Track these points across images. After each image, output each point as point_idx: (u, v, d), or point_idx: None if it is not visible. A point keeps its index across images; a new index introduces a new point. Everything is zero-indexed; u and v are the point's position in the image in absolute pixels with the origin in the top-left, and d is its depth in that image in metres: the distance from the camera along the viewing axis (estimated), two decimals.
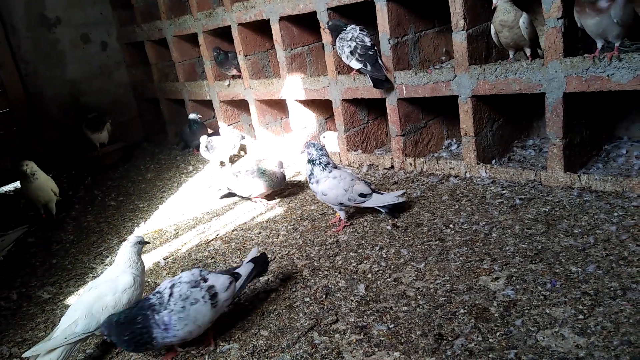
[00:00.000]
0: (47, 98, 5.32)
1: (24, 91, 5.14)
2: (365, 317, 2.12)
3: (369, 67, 3.39)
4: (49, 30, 5.29)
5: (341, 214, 2.94)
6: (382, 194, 2.91)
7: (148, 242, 2.53)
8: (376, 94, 3.58)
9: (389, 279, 2.36)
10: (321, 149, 2.90)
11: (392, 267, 2.45)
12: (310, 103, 4.31)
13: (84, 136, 5.14)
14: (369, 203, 2.86)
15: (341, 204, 2.87)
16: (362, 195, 2.83)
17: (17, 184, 5.14)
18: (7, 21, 5.00)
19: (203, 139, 4.37)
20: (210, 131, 5.18)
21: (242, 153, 4.82)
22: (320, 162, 2.87)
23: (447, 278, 2.26)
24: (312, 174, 2.89)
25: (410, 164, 3.59)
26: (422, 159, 3.54)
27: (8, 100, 5.06)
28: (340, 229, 2.93)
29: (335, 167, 2.93)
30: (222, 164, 4.56)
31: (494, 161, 3.35)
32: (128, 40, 5.66)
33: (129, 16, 5.56)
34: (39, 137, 5.28)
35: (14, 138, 5.17)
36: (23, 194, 4.05)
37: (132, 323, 1.99)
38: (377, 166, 3.78)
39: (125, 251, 2.34)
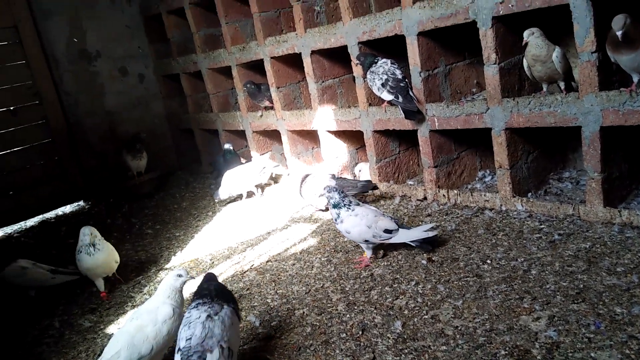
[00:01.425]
0: (87, 128, 5.52)
1: (65, 122, 5.35)
2: (402, 355, 2.12)
3: (400, 99, 3.42)
4: (90, 63, 5.52)
5: (368, 252, 2.94)
6: (409, 228, 2.89)
7: (193, 278, 2.57)
8: (408, 125, 3.61)
9: (426, 316, 2.34)
10: (341, 192, 2.95)
11: (429, 303, 2.43)
12: (341, 133, 4.36)
13: (123, 164, 5.29)
14: (395, 239, 2.84)
15: (367, 241, 2.88)
16: (387, 231, 2.82)
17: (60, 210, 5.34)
18: (51, 55, 5.24)
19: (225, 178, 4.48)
20: (243, 161, 5.28)
21: (271, 182, 4.87)
22: (344, 204, 2.90)
23: (487, 317, 2.24)
24: (338, 216, 2.92)
25: (444, 195, 3.58)
26: (455, 191, 3.53)
27: (50, 131, 5.28)
28: (362, 266, 2.93)
29: (358, 204, 2.94)
30: (250, 194, 4.62)
31: (529, 194, 3.32)
32: (164, 72, 5.85)
33: (166, 50, 5.76)
34: (77, 166, 5.47)
35: (55, 167, 5.37)
36: (79, 267, 3.22)
37: None
38: (410, 197, 3.78)
39: (166, 283, 2.40)
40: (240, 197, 4.61)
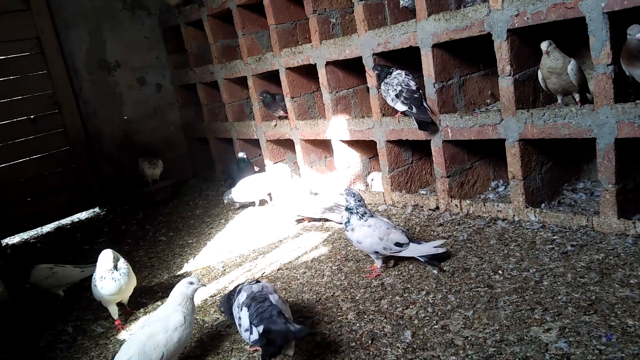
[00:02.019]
0: (104, 136, 5.62)
1: (83, 130, 5.45)
2: None
3: (414, 110, 3.44)
4: (109, 73, 5.63)
5: (377, 262, 2.94)
6: (420, 243, 2.89)
7: (204, 285, 2.60)
8: (421, 135, 3.62)
9: (436, 326, 2.33)
10: (359, 200, 2.94)
11: (439, 313, 2.42)
12: (354, 143, 4.38)
13: (139, 172, 5.37)
14: (405, 253, 2.84)
15: (377, 252, 2.88)
16: (398, 244, 2.82)
17: (76, 217, 5.43)
18: (71, 65, 5.36)
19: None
20: (256, 169, 5.33)
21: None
22: (357, 212, 2.90)
23: (497, 327, 2.22)
24: (348, 221, 2.93)
25: (456, 205, 3.57)
26: (468, 201, 3.53)
27: (68, 139, 5.38)
28: (372, 276, 2.93)
29: (372, 215, 2.94)
30: (262, 202, 4.65)
31: (543, 205, 3.30)
32: (181, 82, 5.95)
33: (183, 60, 5.87)
34: (94, 173, 5.56)
35: (72, 174, 5.47)
36: (97, 294, 2.94)
37: None
38: (422, 207, 3.78)
39: (177, 290, 2.42)
40: (253, 204, 4.65)
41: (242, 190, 4.57)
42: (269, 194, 4.64)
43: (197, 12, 5.23)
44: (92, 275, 2.98)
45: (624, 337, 2.00)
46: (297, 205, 3.98)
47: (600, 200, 2.88)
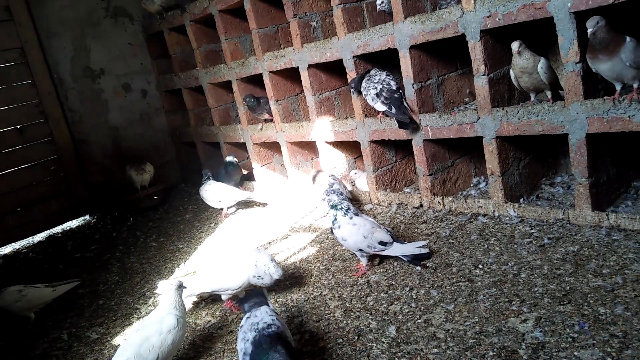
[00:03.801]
0: (91, 144, 5.66)
1: (70, 138, 5.48)
2: (396, 359, 2.20)
3: (393, 110, 3.52)
4: (94, 81, 5.67)
5: (363, 261, 3.03)
6: (403, 243, 2.98)
7: (186, 287, 2.67)
8: (402, 135, 3.71)
9: (419, 321, 2.43)
10: (341, 194, 3.04)
11: (422, 308, 2.52)
12: (339, 144, 4.47)
13: (128, 179, 5.41)
14: (389, 252, 2.93)
15: (361, 250, 2.97)
16: (382, 243, 2.91)
17: (67, 225, 5.47)
18: (55, 74, 5.39)
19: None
20: (245, 172, 5.40)
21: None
22: (342, 207, 2.99)
23: (477, 320, 2.33)
24: (335, 219, 3.01)
25: (439, 202, 3.68)
26: (450, 198, 3.63)
27: (56, 148, 5.41)
28: (359, 274, 3.02)
29: (357, 214, 3.03)
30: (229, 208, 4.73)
31: (522, 200, 3.41)
32: (166, 87, 6.00)
33: (167, 65, 5.92)
34: (83, 181, 5.59)
35: (61, 182, 5.49)
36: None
37: None
38: (407, 205, 3.88)
39: (168, 294, 2.50)
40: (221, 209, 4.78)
41: (208, 194, 4.71)
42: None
43: (179, 18, 5.27)
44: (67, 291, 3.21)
45: (595, 325, 2.11)
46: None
47: (575, 194, 2.99)
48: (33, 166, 5.32)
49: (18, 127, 5.20)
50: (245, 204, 4.81)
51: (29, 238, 5.33)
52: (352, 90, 3.80)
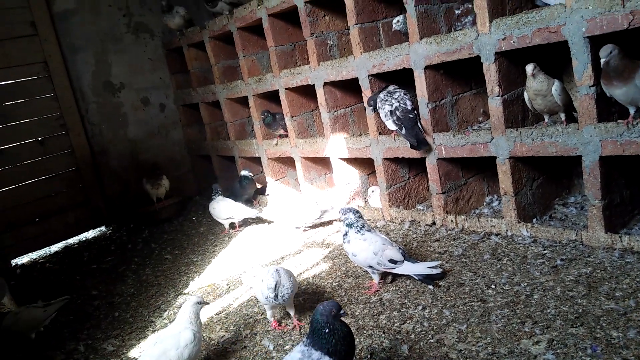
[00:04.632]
0: (110, 156, 5.78)
1: (89, 150, 5.61)
2: None
3: (404, 131, 3.57)
4: (114, 95, 5.80)
5: (375, 278, 3.06)
6: (415, 262, 2.97)
7: (208, 303, 2.72)
8: (416, 153, 3.75)
9: (431, 340, 2.45)
10: (357, 213, 3.07)
11: (435, 327, 2.54)
12: (353, 160, 4.52)
13: (144, 191, 5.50)
14: (399, 270, 2.94)
15: (371, 267, 3.00)
16: (392, 261, 2.92)
17: (83, 236, 5.57)
18: (77, 87, 5.53)
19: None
20: (259, 186, 5.47)
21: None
22: (356, 225, 3.03)
23: (489, 340, 2.34)
24: (346, 234, 3.05)
25: (452, 221, 3.70)
26: (463, 216, 3.65)
27: (75, 160, 5.53)
28: (372, 292, 3.04)
29: (369, 230, 3.06)
30: (232, 225, 4.79)
31: (535, 220, 3.42)
32: (184, 102, 6.12)
33: (186, 80, 6.05)
34: (101, 192, 5.70)
35: (79, 194, 5.61)
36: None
37: None
38: (419, 222, 3.90)
39: (186, 309, 2.55)
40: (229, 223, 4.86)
41: (217, 211, 4.80)
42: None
43: (199, 35, 5.39)
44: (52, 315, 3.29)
45: (608, 349, 2.12)
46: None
47: (588, 215, 3.00)
48: (52, 177, 5.43)
49: (39, 139, 5.33)
50: (259, 218, 4.86)
51: (46, 248, 5.43)
52: (370, 107, 3.84)
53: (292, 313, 2.88)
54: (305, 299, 3.17)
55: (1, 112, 5.10)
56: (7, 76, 5.12)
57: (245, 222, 4.93)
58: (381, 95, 3.71)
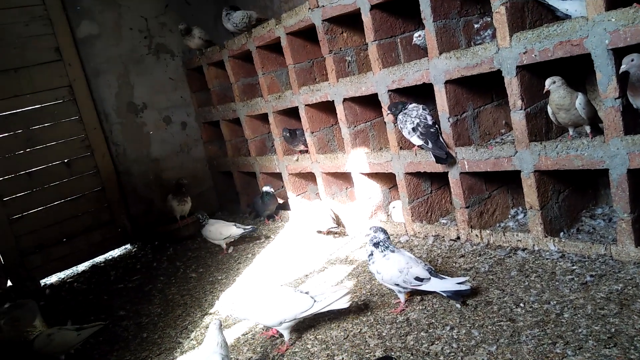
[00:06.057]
0: (134, 175, 5.88)
1: (114, 170, 5.72)
2: None
3: (430, 145, 3.56)
4: (137, 115, 5.91)
5: (401, 297, 3.04)
6: (443, 278, 2.93)
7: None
8: (438, 168, 3.73)
9: None
10: (386, 233, 3.07)
11: (464, 349, 2.51)
12: (374, 175, 4.51)
13: (169, 208, 5.57)
14: (427, 287, 2.91)
15: (397, 285, 2.98)
16: (418, 279, 2.90)
17: (109, 254, 5.66)
18: (101, 109, 5.65)
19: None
20: (280, 201, 5.50)
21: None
22: (383, 245, 3.02)
23: None
24: (371, 254, 3.05)
25: (477, 235, 3.66)
26: (488, 231, 3.61)
27: (100, 180, 5.64)
28: (397, 310, 3.02)
29: (394, 250, 3.05)
30: (228, 245, 4.79)
31: (562, 233, 3.36)
32: (205, 119, 6.20)
33: (206, 98, 6.13)
34: (125, 211, 5.80)
35: (104, 212, 5.71)
36: None
37: None
38: (443, 237, 3.87)
39: (213, 333, 2.58)
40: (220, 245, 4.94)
41: (212, 234, 4.88)
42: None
43: (218, 54, 5.47)
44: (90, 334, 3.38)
45: None
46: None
47: (617, 229, 2.94)
48: (78, 198, 5.54)
49: (65, 160, 5.46)
50: (284, 235, 4.88)
51: (73, 268, 5.53)
52: (389, 113, 3.81)
53: (286, 337, 2.95)
54: (330, 318, 3.16)
55: (29, 136, 5.24)
56: (34, 101, 5.25)
57: (268, 239, 4.95)
58: (400, 116, 3.70)
